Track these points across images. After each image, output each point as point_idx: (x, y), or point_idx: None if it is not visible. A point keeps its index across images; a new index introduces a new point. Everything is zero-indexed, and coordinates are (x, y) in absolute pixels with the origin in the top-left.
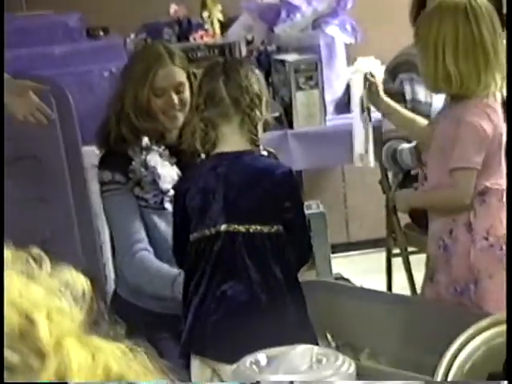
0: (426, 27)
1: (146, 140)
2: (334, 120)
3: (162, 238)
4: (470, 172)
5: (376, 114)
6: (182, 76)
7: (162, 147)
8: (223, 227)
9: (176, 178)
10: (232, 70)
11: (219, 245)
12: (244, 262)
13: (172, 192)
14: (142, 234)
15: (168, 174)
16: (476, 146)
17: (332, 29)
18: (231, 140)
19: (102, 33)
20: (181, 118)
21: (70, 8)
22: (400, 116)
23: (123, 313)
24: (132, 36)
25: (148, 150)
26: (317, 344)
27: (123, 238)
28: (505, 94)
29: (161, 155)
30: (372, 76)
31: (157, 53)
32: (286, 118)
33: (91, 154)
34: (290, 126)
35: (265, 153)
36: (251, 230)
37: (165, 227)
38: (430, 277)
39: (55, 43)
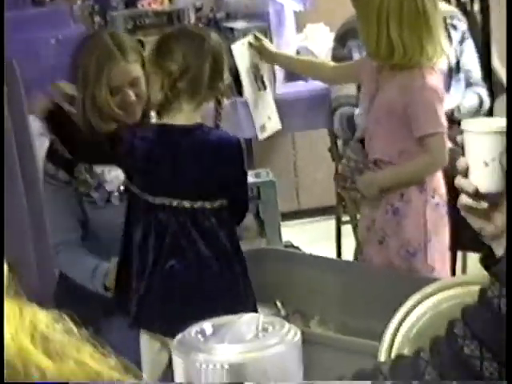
0: None
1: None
2: (283, 88)
3: (107, 228)
4: (442, 136)
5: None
6: (136, 70)
7: None
8: (167, 201)
9: (123, 177)
10: (218, 53)
11: (164, 218)
12: (190, 237)
13: (119, 189)
14: (74, 231)
15: (115, 176)
16: (441, 110)
17: None
18: (185, 113)
19: None
20: (139, 110)
21: None
22: (299, 61)
23: (71, 291)
24: (79, 2)
25: None
26: (256, 312)
27: (55, 230)
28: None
29: None
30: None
31: (106, 50)
32: (235, 86)
33: (34, 122)
34: (240, 94)
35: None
36: (195, 206)
37: (110, 218)
38: (379, 240)
39: None
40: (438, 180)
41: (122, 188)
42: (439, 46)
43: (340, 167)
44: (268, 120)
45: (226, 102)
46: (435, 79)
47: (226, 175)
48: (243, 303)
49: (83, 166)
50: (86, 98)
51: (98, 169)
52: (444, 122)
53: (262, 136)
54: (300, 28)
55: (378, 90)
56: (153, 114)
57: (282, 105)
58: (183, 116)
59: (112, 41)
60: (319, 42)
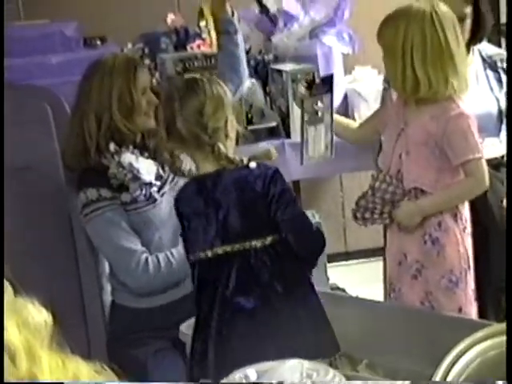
0: (393, 31)
1: (112, 145)
2: None
3: (158, 232)
4: (481, 160)
5: None
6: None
7: (131, 147)
8: (219, 250)
9: (154, 168)
10: (188, 95)
11: (219, 267)
12: (251, 280)
13: (157, 183)
14: (139, 245)
15: (145, 166)
16: (475, 135)
17: (329, 38)
18: (206, 163)
19: (99, 42)
20: (153, 118)
21: (67, 17)
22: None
23: (125, 319)
24: (129, 45)
25: (118, 152)
26: (339, 348)
27: (124, 256)
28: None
29: (132, 153)
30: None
31: (125, 57)
32: (283, 128)
33: None
34: (288, 135)
35: (253, 164)
36: (247, 247)
37: (159, 220)
38: (413, 275)
39: (52, 52)
40: (467, 208)
41: (157, 183)
42: (464, 81)
43: (362, 201)
44: (320, 152)
45: (273, 142)
46: (467, 107)
47: (268, 203)
48: (313, 341)
49: (113, 164)
50: (113, 100)
51: (125, 160)
52: (480, 146)
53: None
54: (348, 70)
55: (405, 125)
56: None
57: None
58: (208, 165)
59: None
60: (367, 84)
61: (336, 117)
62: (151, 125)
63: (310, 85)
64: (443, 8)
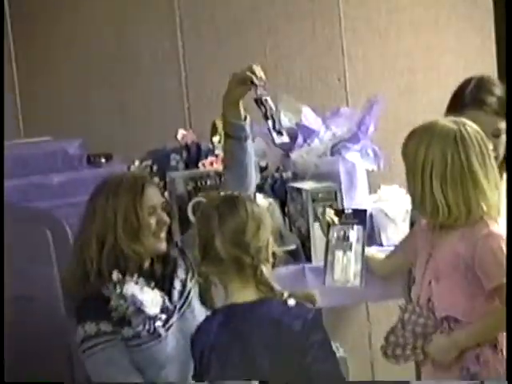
0: (414, 147)
1: (115, 274)
2: None
3: (164, 369)
4: None
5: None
6: (161, 195)
7: (135, 276)
8: None
9: (160, 299)
10: (228, 216)
11: None
12: None
13: (162, 316)
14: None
15: (150, 297)
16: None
17: (352, 155)
18: (240, 291)
19: (103, 160)
20: (164, 241)
21: (69, 134)
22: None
23: None
24: (136, 163)
25: (120, 282)
26: None
27: None
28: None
29: (136, 283)
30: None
31: (134, 176)
32: (303, 251)
33: None
34: (308, 259)
35: (291, 302)
36: None
37: (165, 357)
38: None
39: (54, 172)
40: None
41: (163, 316)
42: (495, 207)
43: (392, 337)
44: (348, 278)
45: (292, 267)
46: (497, 226)
47: (301, 352)
48: None
49: (114, 295)
50: (118, 221)
51: (127, 291)
52: None
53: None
54: (373, 189)
55: (433, 249)
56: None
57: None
58: (241, 295)
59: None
60: (394, 203)
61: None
62: (161, 248)
63: (339, 213)
64: (470, 129)
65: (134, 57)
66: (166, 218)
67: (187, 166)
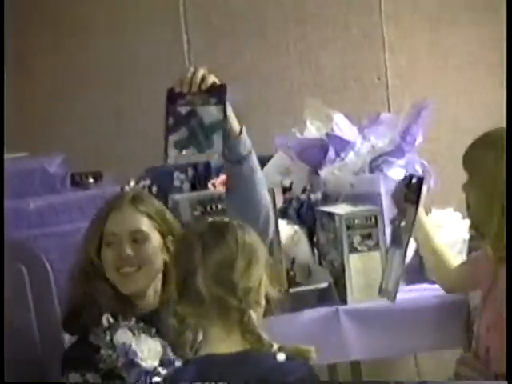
0: (491, 158)
1: (105, 317)
2: (403, 293)
3: None
4: None
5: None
6: (142, 223)
7: (133, 319)
8: None
9: (160, 350)
10: (214, 247)
11: None
12: None
13: (162, 371)
14: None
15: (148, 348)
16: None
17: (396, 171)
18: (221, 340)
19: (91, 180)
20: (140, 279)
21: (51, 149)
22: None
23: None
24: (132, 183)
25: (112, 327)
26: None
27: None
28: None
29: (131, 329)
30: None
31: (117, 195)
32: (336, 290)
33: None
34: (343, 300)
35: (281, 356)
36: None
37: None
38: None
39: (30, 195)
40: None
41: (162, 371)
42: None
43: None
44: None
45: (323, 310)
46: None
47: None
48: None
49: (103, 343)
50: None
51: (119, 339)
52: None
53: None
54: (425, 211)
55: (494, 284)
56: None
57: (402, 317)
58: (224, 345)
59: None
60: (449, 231)
61: (437, 245)
62: (124, 289)
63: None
64: None
65: (130, 56)
66: (127, 251)
67: (194, 187)
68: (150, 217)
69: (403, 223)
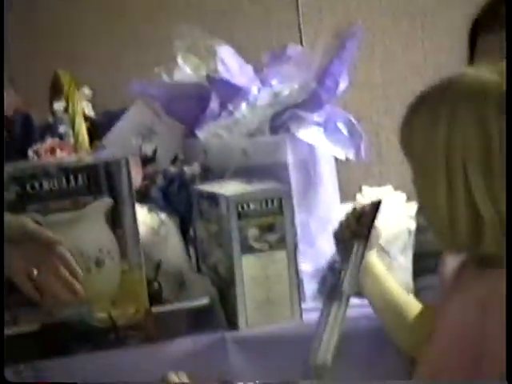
0: (426, 127)
1: None
2: (317, 310)
3: None
4: None
5: None
6: None
7: None
8: None
9: None
10: None
11: None
12: None
13: None
14: None
15: None
16: None
17: (310, 131)
18: None
19: None
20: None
21: None
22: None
23: None
24: None
25: None
26: None
27: None
28: None
29: None
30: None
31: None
32: (222, 309)
33: None
34: (232, 323)
35: None
36: None
37: None
38: None
39: None
40: None
41: None
42: None
43: None
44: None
45: (204, 339)
46: None
47: None
48: None
49: None
50: None
51: None
52: None
53: None
54: (351, 193)
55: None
56: None
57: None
58: None
59: None
60: (389, 216)
61: (392, 291)
62: None
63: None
64: None
65: None
66: None
67: (8, 156)
68: None
69: (345, 267)
